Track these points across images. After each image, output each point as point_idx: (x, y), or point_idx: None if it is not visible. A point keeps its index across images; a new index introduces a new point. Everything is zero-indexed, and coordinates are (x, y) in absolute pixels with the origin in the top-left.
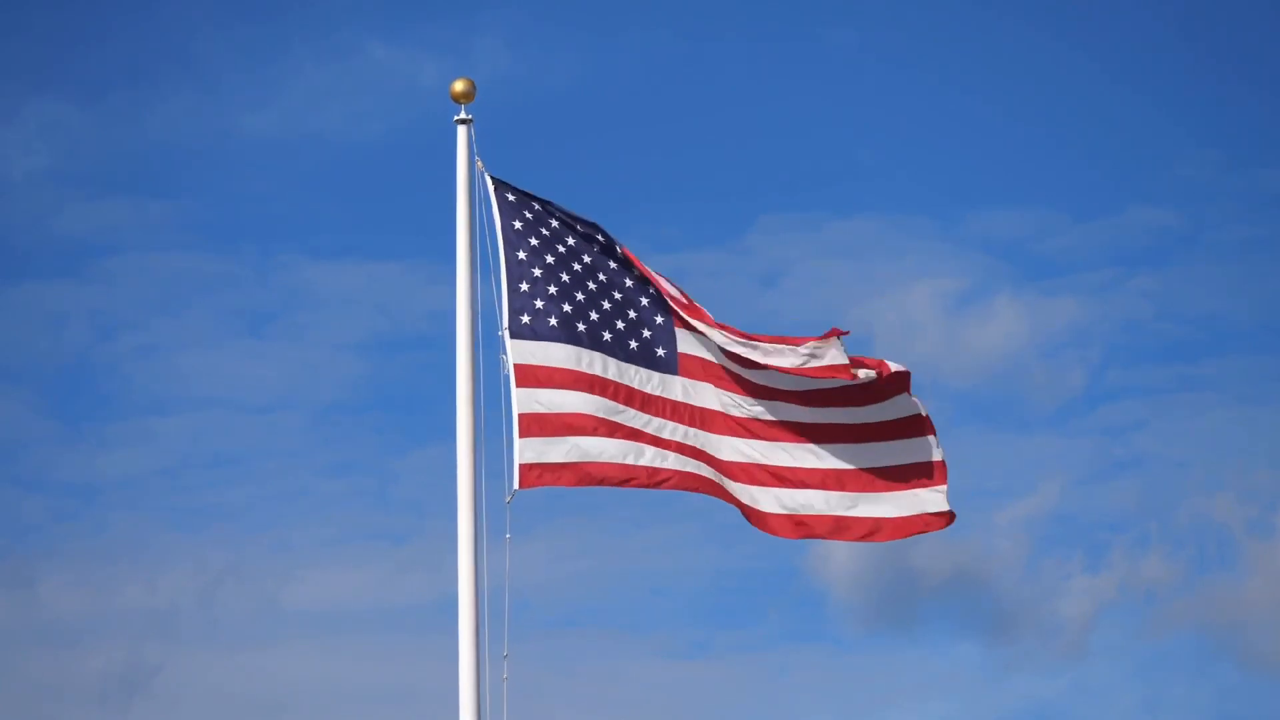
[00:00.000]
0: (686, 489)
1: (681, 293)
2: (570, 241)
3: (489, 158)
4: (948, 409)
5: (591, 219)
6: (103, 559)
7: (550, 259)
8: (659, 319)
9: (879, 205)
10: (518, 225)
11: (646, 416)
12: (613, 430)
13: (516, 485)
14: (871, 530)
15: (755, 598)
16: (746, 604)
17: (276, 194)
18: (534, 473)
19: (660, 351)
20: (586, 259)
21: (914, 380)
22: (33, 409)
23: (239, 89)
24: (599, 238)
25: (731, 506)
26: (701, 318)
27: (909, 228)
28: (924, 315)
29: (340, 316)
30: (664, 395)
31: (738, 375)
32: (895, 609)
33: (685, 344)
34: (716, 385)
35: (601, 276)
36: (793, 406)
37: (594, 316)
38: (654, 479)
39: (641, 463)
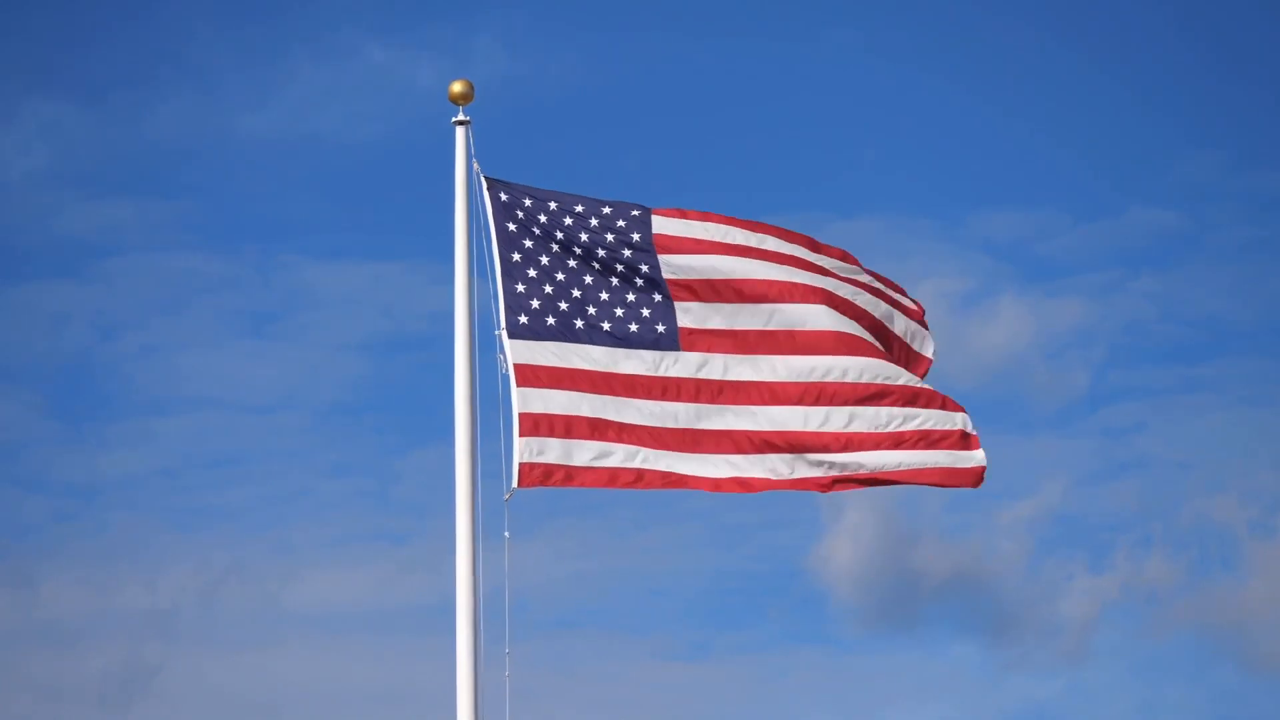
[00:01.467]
0: (684, 487)
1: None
2: (565, 228)
3: (490, 159)
4: None
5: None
6: (103, 559)
7: (545, 258)
8: (657, 296)
9: (881, 206)
10: (511, 227)
11: (648, 407)
12: (612, 432)
13: (515, 484)
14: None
15: (756, 599)
16: (747, 605)
17: (277, 194)
18: (534, 472)
19: (661, 328)
20: (579, 249)
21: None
22: (34, 409)
23: (238, 90)
24: (599, 214)
25: (733, 500)
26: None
27: (911, 228)
28: (927, 316)
29: (341, 317)
30: (667, 375)
31: (749, 334)
32: (897, 610)
33: (685, 318)
34: (722, 351)
35: (595, 264)
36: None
37: (591, 310)
38: (654, 482)
39: (640, 466)
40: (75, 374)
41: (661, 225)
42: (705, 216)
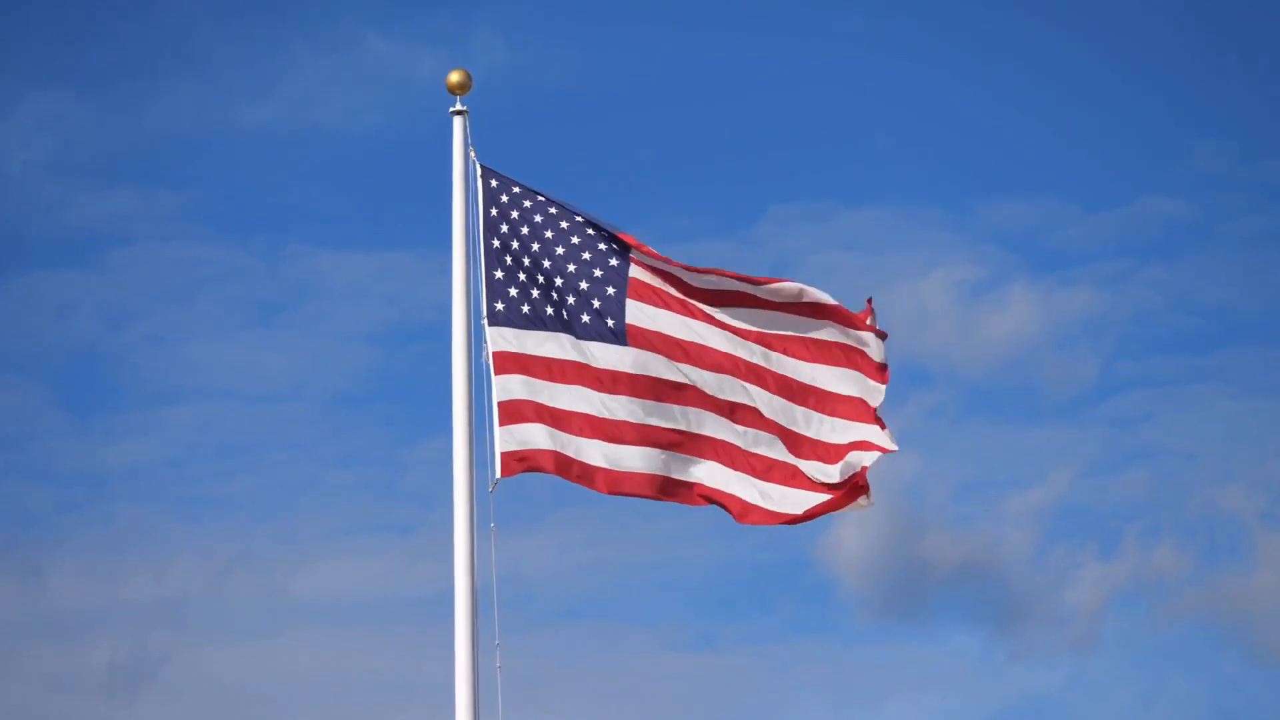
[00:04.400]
0: (648, 496)
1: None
2: (537, 220)
3: (490, 150)
4: (960, 398)
5: (572, 203)
6: (110, 549)
7: (515, 244)
8: (610, 290)
9: (889, 196)
10: (494, 212)
11: (610, 400)
12: (585, 425)
13: (499, 474)
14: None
15: (763, 589)
16: (754, 596)
17: (283, 185)
18: (516, 460)
19: (610, 323)
20: (549, 235)
21: (925, 372)
22: (41, 399)
23: (239, 81)
24: (569, 216)
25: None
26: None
27: (920, 218)
28: (937, 305)
29: (348, 307)
30: (619, 370)
31: (690, 345)
32: (905, 599)
33: (634, 316)
34: (667, 357)
35: (559, 250)
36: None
37: (554, 295)
38: (630, 487)
39: (616, 467)
40: (82, 364)
41: (636, 272)
42: (671, 279)
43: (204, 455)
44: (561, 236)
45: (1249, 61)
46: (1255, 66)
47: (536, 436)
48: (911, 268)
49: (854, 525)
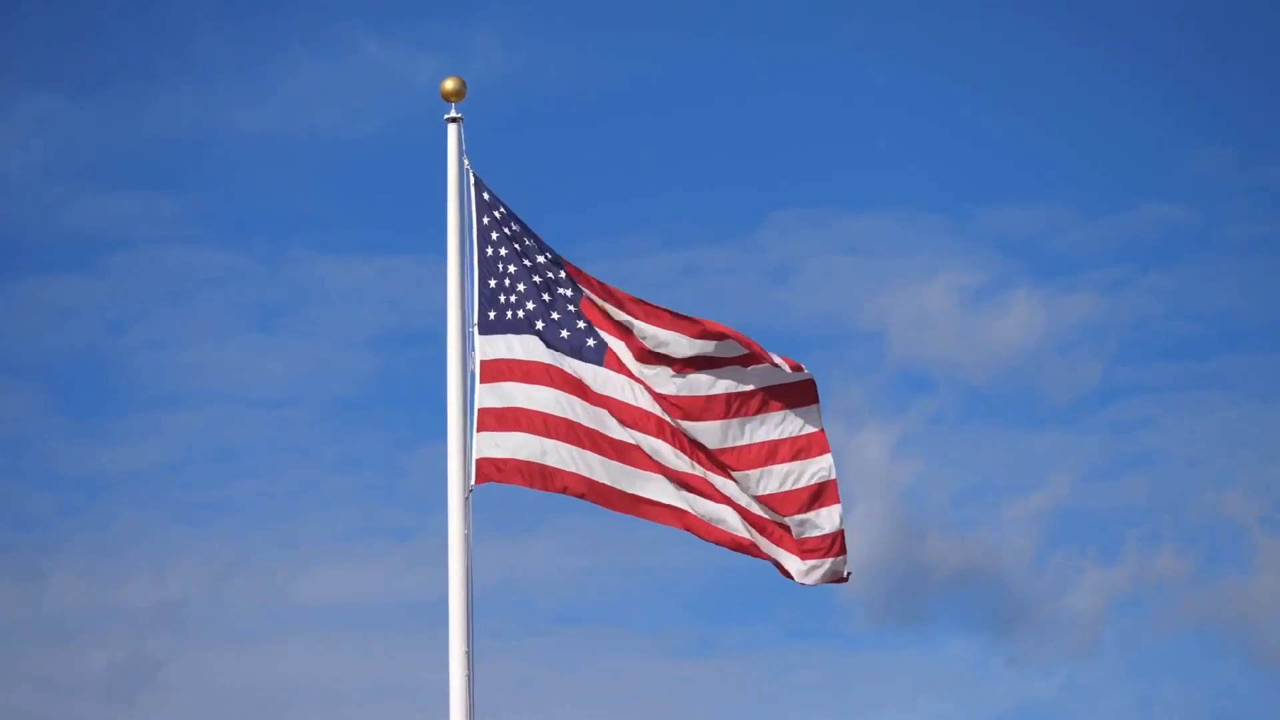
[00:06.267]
0: (634, 514)
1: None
2: (527, 241)
3: (493, 154)
4: (961, 403)
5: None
6: (109, 553)
7: (505, 250)
8: (581, 324)
9: (890, 201)
10: (485, 221)
11: (595, 412)
12: (569, 434)
13: (473, 481)
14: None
15: (762, 594)
16: (753, 600)
17: (283, 189)
18: (491, 468)
19: (590, 342)
20: (528, 242)
21: (927, 377)
22: (41, 403)
23: (235, 85)
24: (538, 242)
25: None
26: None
27: (921, 224)
28: (938, 311)
29: (348, 311)
30: (604, 393)
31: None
32: (904, 604)
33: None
34: (629, 378)
35: (545, 274)
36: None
37: (530, 306)
38: (606, 499)
39: (597, 478)
40: (82, 368)
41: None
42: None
43: (203, 459)
44: (541, 258)
45: (1249, 66)
46: (1255, 71)
47: (513, 446)
48: (913, 273)
49: (853, 529)
